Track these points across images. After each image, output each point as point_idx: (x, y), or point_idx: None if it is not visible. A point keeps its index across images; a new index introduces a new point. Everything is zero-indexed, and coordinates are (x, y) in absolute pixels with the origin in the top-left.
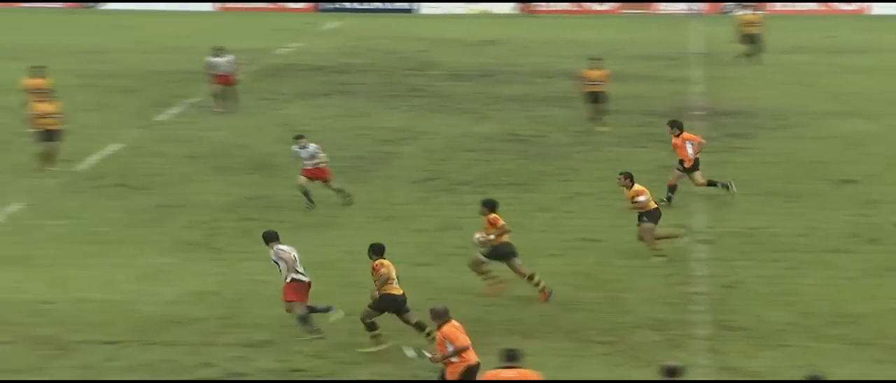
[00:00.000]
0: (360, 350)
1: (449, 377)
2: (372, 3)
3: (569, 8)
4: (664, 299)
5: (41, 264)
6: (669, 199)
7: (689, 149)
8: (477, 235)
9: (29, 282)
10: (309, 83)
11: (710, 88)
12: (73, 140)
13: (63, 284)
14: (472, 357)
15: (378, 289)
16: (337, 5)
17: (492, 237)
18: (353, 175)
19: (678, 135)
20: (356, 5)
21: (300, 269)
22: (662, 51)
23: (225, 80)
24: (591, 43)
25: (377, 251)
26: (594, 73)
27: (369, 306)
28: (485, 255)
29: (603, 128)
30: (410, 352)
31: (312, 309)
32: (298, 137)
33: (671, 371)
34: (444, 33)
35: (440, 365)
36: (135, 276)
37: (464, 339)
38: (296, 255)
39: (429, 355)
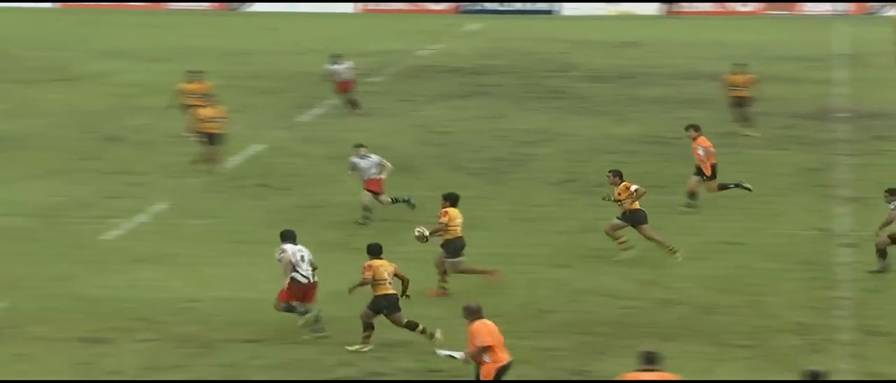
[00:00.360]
0: (347, 347)
1: (483, 377)
2: (513, 5)
3: (712, 9)
4: (806, 303)
5: (184, 263)
6: (723, 188)
7: (703, 155)
8: (419, 228)
9: (172, 281)
10: (448, 85)
11: (855, 90)
12: None
13: (206, 283)
14: (504, 356)
15: (351, 290)
16: (478, 7)
17: (431, 230)
18: (491, 176)
19: (695, 139)
20: (497, 6)
21: (302, 271)
22: (806, 52)
23: (345, 87)
24: (734, 44)
25: (372, 252)
26: (739, 79)
27: (368, 307)
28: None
29: (749, 134)
30: (443, 353)
31: (289, 309)
32: (358, 146)
33: (814, 374)
34: (584, 35)
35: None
36: (275, 276)
37: (487, 338)
38: (304, 256)
39: (457, 355)
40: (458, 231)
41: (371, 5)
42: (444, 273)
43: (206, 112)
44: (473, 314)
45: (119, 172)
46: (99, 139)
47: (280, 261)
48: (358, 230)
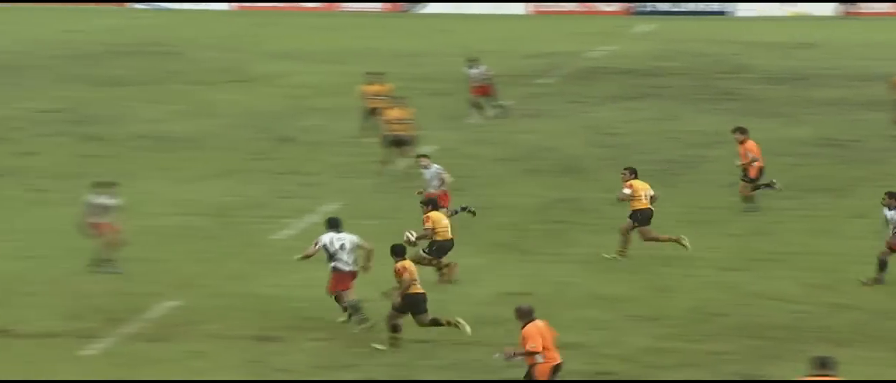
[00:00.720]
0: (373, 345)
1: (538, 377)
2: (686, 6)
3: (891, 9)
4: None
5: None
6: (770, 185)
7: (748, 157)
8: (407, 232)
9: None
10: (620, 86)
11: None
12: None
13: (376, 283)
14: (556, 356)
15: (401, 292)
16: (650, 8)
17: (418, 235)
18: (662, 178)
19: (742, 142)
20: (669, 7)
21: (343, 258)
22: None
23: (482, 91)
24: None
25: (398, 253)
26: None
27: (393, 308)
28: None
29: None
30: (496, 355)
31: (340, 298)
32: (421, 157)
33: (823, 362)
34: (758, 36)
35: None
36: None
37: (538, 340)
38: (344, 245)
39: (497, 354)
40: (447, 233)
41: (542, 7)
42: (440, 269)
43: (393, 113)
44: (526, 316)
45: (291, 172)
46: (272, 139)
47: (317, 246)
48: (526, 232)
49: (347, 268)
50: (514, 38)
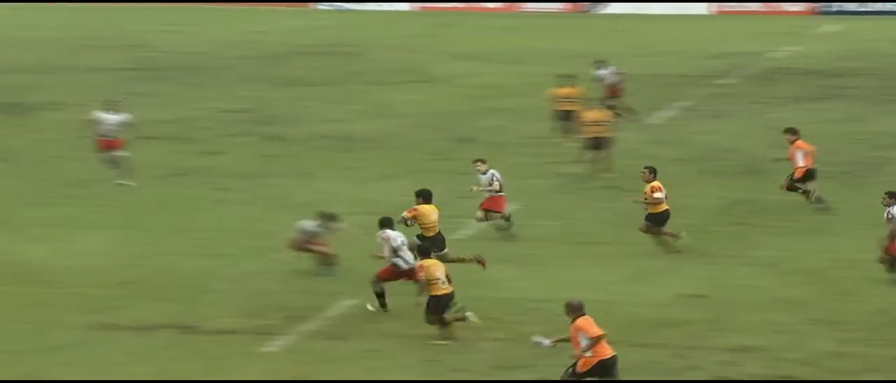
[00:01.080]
0: (431, 342)
1: (580, 369)
2: (873, 5)
3: None
4: None
5: (533, 263)
6: (809, 195)
7: (800, 159)
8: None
9: (521, 281)
10: (803, 87)
11: None
12: (564, 142)
13: (554, 283)
14: (606, 350)
15: (420, 293)
16: (836, 7)
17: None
18: (845, 180)
19: (793, 143)
20: (856, 7)
21: (404, 256)
22: None
23: (612, 92)
24: None
25: (422, 252)
26: None
27: (427, 313)
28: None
29: None
30: (537, 339)
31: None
32: (478, 161)
33: None
34: None
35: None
36: (623, 277)
37: (597, 329)
38: (403, 242)
39: (546, 342)
40: (436, 228)
41: (725, 7)
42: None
43: (591, 116)
44: (576, 310)
45: (471, 173)
46: (452, 140)
47: (384, 243)
48: (707, 233)
49: (406, 267)
50: (695, 38)
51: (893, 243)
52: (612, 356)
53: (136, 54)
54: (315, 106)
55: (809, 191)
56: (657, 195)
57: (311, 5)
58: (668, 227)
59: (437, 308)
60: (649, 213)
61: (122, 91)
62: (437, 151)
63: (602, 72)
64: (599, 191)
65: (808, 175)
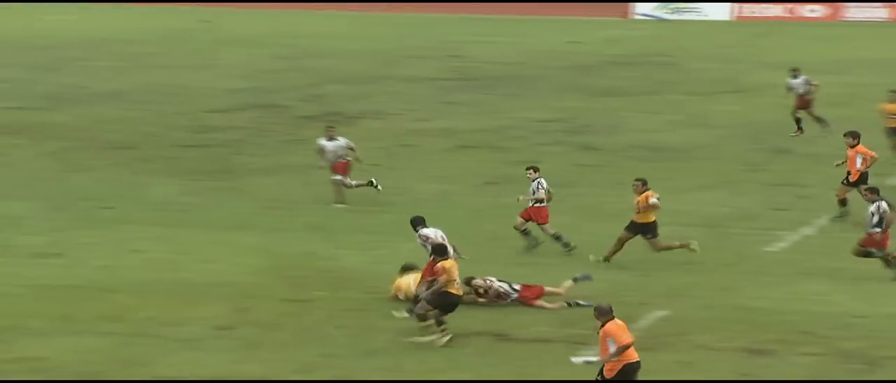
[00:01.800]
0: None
1: (607, 375)
2: None
3: None
4: None
5: (851, 277)
6: (843, 213)
7: (859, 163)
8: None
9: (837, 295)
10: None
11: None
12: (885, 154)
13: (872, 298)
14: (632, 355)
15: (438, 289)
16: None
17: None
18: None
19: (853, 146)
20: None
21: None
22: None
23: (802, 103)
24: None
25: (438, 252)
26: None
27: (429, 306)
28: None
29: None
30: (579, 360)
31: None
32: (531, 169)
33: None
34: None
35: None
36: None
37: (626, 337)
38: (444, 236)
39: (594, 359)
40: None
41: None
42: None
43: None
44: (606, 314)
45: (786, 184)
46: (767, 151)
47: (427, 242)
48: None
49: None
50: None
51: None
52: (637, 361)
53: (454, 64)
54: (629, 116)
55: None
56: (654, 200)
57: (630, 15)
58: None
59: (447, 306)
60: (635, 223)
61: (439, 100)
62: (751, 162)
63: (794, 81)
64: None
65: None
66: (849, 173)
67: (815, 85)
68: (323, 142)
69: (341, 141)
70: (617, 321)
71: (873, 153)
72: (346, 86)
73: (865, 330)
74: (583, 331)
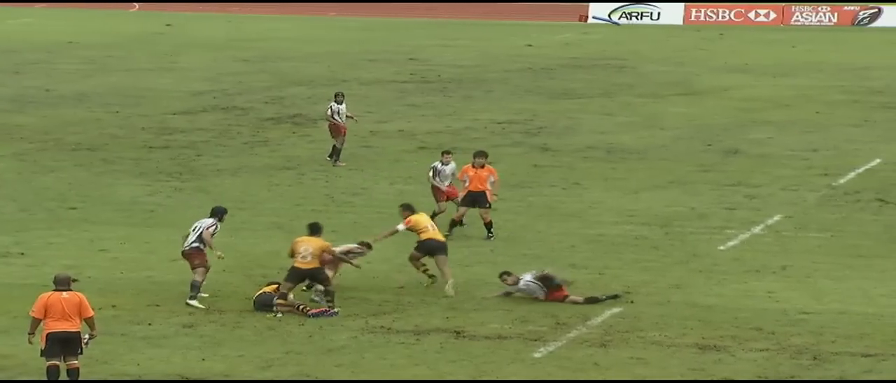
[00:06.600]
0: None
1: None
2: None
3: None
4: None
5: (799, 275)
6: None
7: None
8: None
9: (786, 292)
10: None
11: None
12: (833, 155)
13: (820, 295)
14: None
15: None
16: None
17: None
18: None
19: None
20: None
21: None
22: None
23: None
24: None
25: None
26: None
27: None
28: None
29: None
30: None
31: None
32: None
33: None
34: None
35: None
36: (893, 291)
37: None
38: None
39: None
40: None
41: None
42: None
43: None
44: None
45: (737, 184)
46: (719, 152)
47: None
48: None
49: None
50: None
51: None
52: None
53: (413, 67)
54: (584, 117)
55: None
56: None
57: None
58: None
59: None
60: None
61: (398, 103)
62: (703, 163)
63: None
64: (868, 204)
65: None
66: None
67: None
68: (438, 165)
69: (453, 165)
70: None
71: None
72: (307, 88)
73: (814, 326)
74: (539, 328)
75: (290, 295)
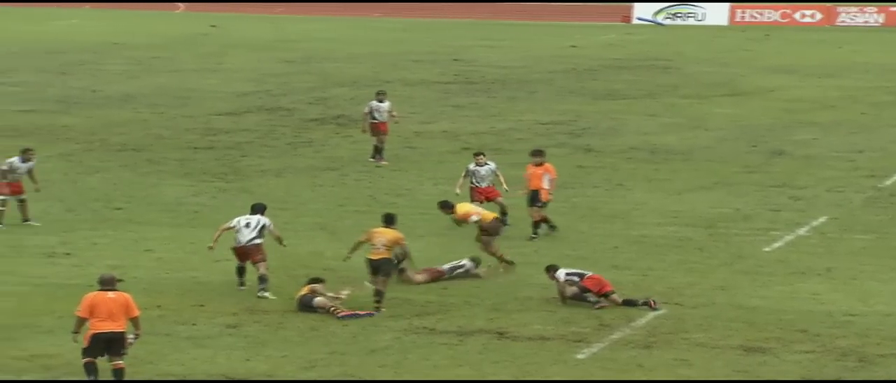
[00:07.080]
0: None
1: None
2: None
3: None
4: None
5: (845, 277)
6: None
7: None
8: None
9: (832, 294)
10: None
11: None
12: (879, 156)
13: (866, 297)
14: None
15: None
16: None
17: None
18: None
19: None
20: None
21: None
22: None
23: None
24: None
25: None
26: None
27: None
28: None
29: None
30: None
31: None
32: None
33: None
34: None
35: None
36: None
37: None
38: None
39: None
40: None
41: None
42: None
43: None
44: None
45: (782, 185)
46: (764, 153)
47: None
48: None
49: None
50: None
51: None
52: None
53: (457, 68)
54: (628, 118)
55: None
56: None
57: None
58: None
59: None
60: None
61: (442, 103)
62: (748, 164)
63: None
64: None
65: None
66: None
67: None
68: (472, 166)
69: (491, 165)
70: None
71: None
72: (351, 89)
73: (859, 328)
74: (583, 330)
75: (321, 298)
